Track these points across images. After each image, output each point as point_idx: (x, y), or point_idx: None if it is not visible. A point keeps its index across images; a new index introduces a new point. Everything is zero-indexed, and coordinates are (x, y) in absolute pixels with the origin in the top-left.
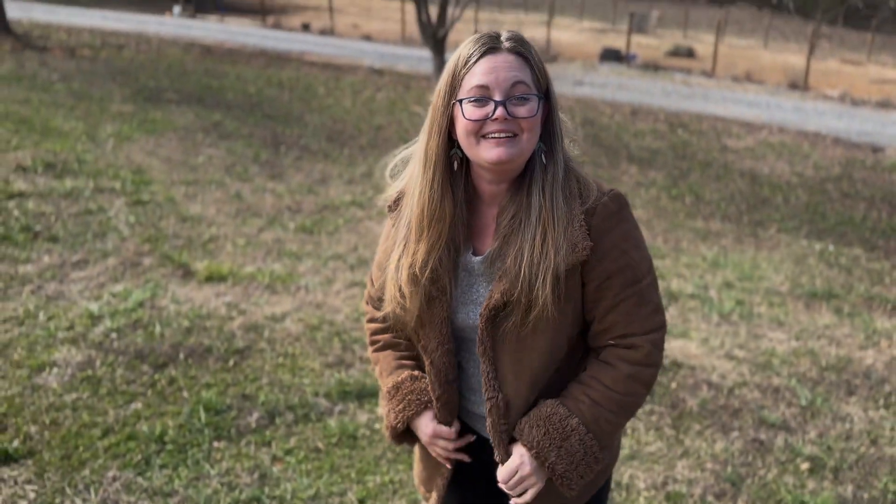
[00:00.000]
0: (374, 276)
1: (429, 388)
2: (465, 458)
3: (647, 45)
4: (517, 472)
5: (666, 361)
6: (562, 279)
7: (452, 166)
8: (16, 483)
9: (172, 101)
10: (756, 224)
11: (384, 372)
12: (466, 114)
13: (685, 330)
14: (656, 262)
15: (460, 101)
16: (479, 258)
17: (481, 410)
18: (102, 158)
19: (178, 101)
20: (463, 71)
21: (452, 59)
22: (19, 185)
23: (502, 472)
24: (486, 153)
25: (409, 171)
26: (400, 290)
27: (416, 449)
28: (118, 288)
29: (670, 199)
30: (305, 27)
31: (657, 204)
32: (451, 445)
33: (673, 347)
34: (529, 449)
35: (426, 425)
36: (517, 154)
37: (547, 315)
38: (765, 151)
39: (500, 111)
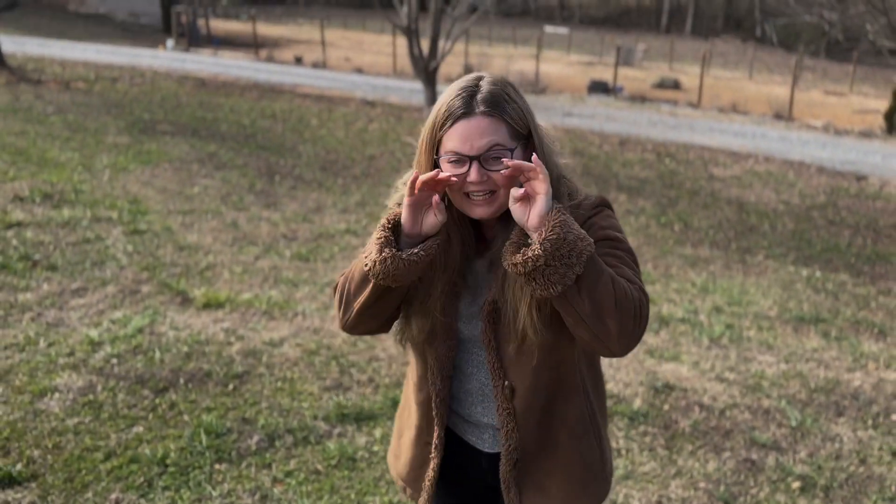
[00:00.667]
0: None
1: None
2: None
3: (633, 77)
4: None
5: (658, 384)
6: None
7: (448, 205)
8: None
9: (167, 133)
10: (744, 251)
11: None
12: (446, 171)
13: (676, 353)
14: (647, 288)
15: (439, 157)
16: (481, 261)
17: (476, 417)
18: (99, 189)
19: (173, 132)
20: (440, 133)
21: (433, 115)
22: (17, 214)
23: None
24: (468, 210)
25: None
26: (412, 324)
27: (400, 445)
28: (117, 315)
29: (659, 227)
30: (298, 60)
31: (646, 231)
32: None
33: (665, 370)
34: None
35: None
36: (497, 210)
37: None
38: (751, 180)
39: (474, 173)
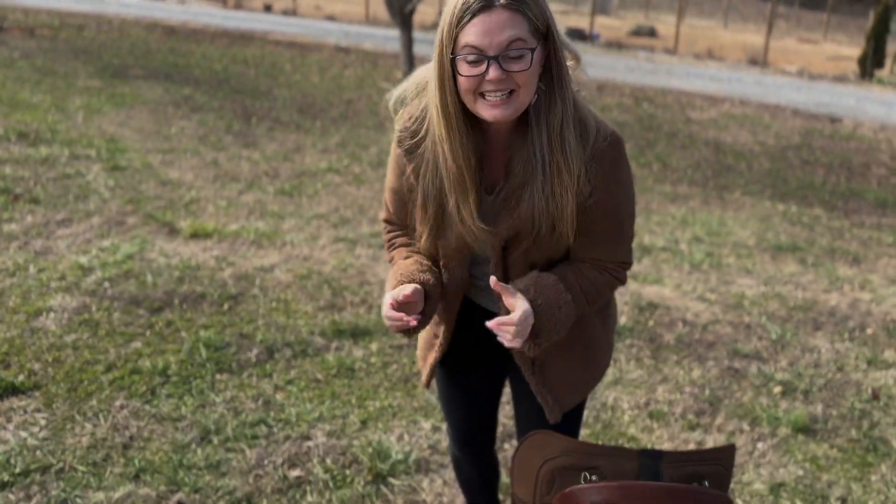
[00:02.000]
0: (387, 200)
1: (430, 278)
2: (412, 321)
3: (609, 25)
4: (522, 322)
5: (642, 302)
6: (570, 218)
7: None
8: (25, 412)
9: (139, 78)
10: (721, 188)
11: (395, 260)
12: (462, 71)
13: (659, 277)
14: None
15: (455, 56)
16: (491, 197)
17: (489, 304)
18: (74, 129)
19: (146, 77)
20: (456, 29)
21: (448, 10)
22: None
23: (506, 319)
24: (483, 112)
25: (425, 110)
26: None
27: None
28: (105, 243)
29: (639, 167)
30: (267, 8)
31: None
32: (396, 299)
33: (648, 292)
34: (535, 307)
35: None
36: (514, 112)
37: (552, 242)
38: (728, 122)
39: (494, 72)
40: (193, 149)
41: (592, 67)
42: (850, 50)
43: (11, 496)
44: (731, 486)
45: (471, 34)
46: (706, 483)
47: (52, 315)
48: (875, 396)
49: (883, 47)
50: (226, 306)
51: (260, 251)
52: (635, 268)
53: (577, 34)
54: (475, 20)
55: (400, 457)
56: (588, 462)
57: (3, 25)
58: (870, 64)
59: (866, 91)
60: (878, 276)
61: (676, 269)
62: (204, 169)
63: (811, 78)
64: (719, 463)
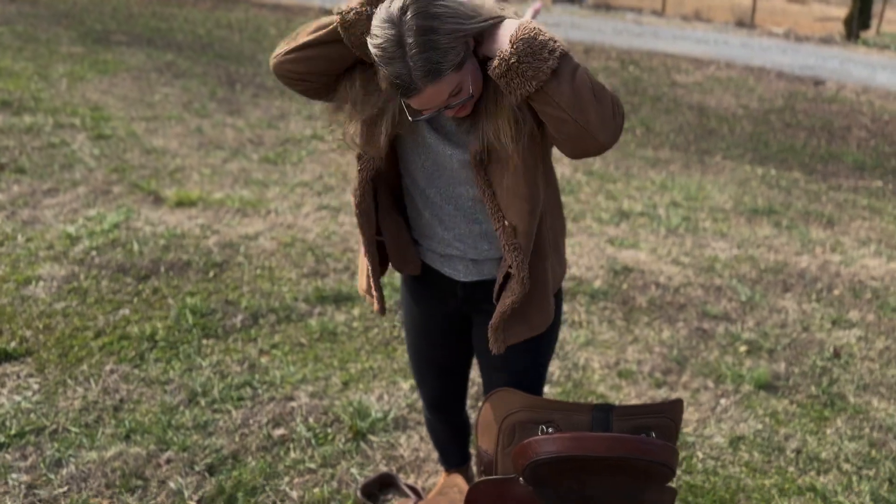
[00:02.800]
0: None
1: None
2: None
3: None
4: None
5: (617, 267)
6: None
7: None
8: (18, 377)
9: (122, 43)
10: (703, 152)
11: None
12: (411, 113)
13: (635, 242)
14: (608, 187)
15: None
16: (459, 124)
17: (450, 251)
18: (58, 97)
19: (129, 42)
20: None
21: (383, 80)
22: None
23: None
24: (447, 112)
25: None
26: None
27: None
28: (92, 213)
29: (622, 132)
30: None
31: None
32: None
33: (624, 256)
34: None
35: None
36: (472, 106)
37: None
38: (712, 86)
39: (445, 112)
40: (177, 116)
41: (579, 30)
42: (839, 10)
43: (8, 456)
44: (693, 439)
45: (412, 103)
46: (653, 434)
47: (41, 283)
48: (836, 354)
49: (869, 8)
50: (211, 274)
51: (244, 219)
52: (612, 232)
53: None
54: (408, 99)
55: (379, 415)
56: (545, 416)
57: None
58: (856, 25)
59: (851, 53)
60: (850, 239)
61: (653, 233)
62: (188, 136)
63: (797, 39)
64: (667, 416)
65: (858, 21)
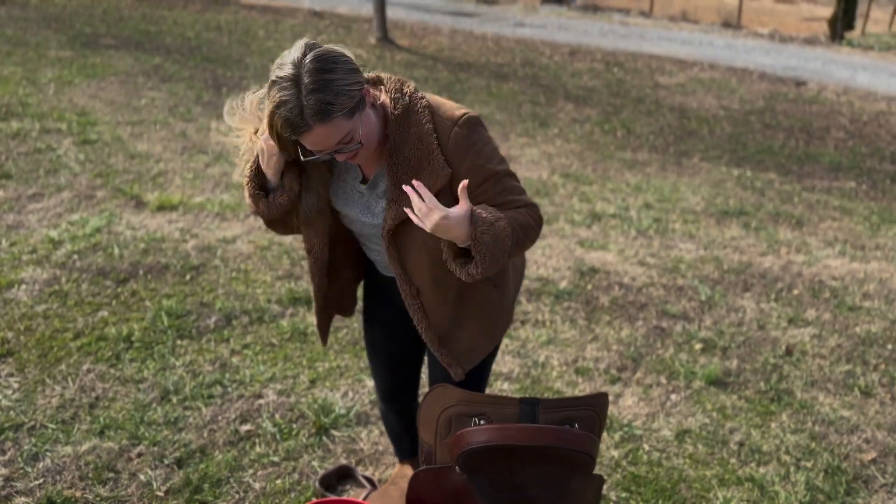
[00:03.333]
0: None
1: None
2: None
3: None
4: (449, 214)
5: (584, 268)
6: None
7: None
8: (0, 377)
9: (111, 47)
10: (681, 154)
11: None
12: (305, 151)
13: (605, 243)
14: (584, 189)
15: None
16: (364, 186)
17: (391, 273)
18: (45, 102)
19: (117, 46)
20: (286, 137)
21: (268, 117)
22: None
23: (428, 198)
24: (338, 158)
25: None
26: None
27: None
28: (75, 217)
29: (602, 134)
30: None
31: (590, 138)
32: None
33: (591, 257)
34: (474, 211)
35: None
36: (366, 156)
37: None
38: (695, 87)
39: (336, 157)
40: (163, 120)
41: (567, 31)
42: (826, 10)
43: None
44: (641, 432)
45: (303, 141)
46: (576, 425)
47: (23, 287)
48: (789, 352)
49: (854, 8)
50: (188, 276)
51: (223, 223)
52: (584, 234)
53: None
54: (300, 138)
55: (343, 411)
56: (478, 409)
57: None
58: (840, 25)
59: (834, 53)
60: (817, 240)
61: (623, 234)
62: (172, 141)
63: (782, 40)
64: (592, 408)
65: (843, 21)
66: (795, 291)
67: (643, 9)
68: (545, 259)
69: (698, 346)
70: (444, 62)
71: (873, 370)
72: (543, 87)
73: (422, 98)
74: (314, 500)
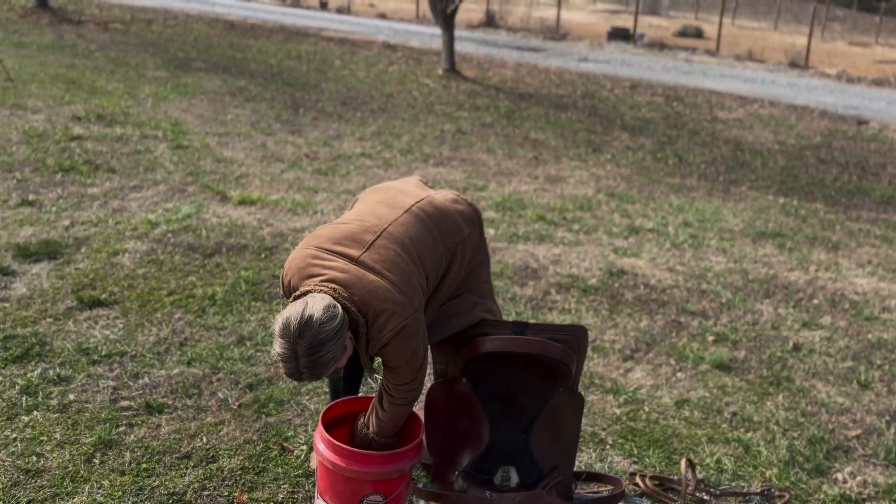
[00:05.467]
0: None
1: None
2: None
3: (658, 25)
4: None
5: (613, 269)
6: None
7: None
8: (108, 319)
9: (201, 70)
10: (730, 182)
11: None
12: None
13: (638, 252)
14: (626, 206)
15: None
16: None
17: None
18: (144, 113)
19: (206, 69)
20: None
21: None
22: (77, 130)
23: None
24: None
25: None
26: None
27: None
28: (169, 205)
29: (654, 161)
30: (323, 5)
31: (641, 164)
32: None
33: (623, 262)
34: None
35: None
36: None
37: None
38: (752, 122)
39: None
40: (246, 133)
41: (630, 67)
42: None
43: (99, 369)
44: (644, 398)
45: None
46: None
47: (126, 255)
48: (796, 348)
49: None
50: (263, 255)
51: (294, 217)
52: (618, 243)
53: (622, 34)
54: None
55: None
56: (481, 331)
57: (80, 19)
58: None
59: None
60: (850, 261)
61: (657, 246)
62: (254, 150)
63: (849, 81)
64: (571, 335)
65: None
66: (815, 301)
67: (710, 47)
68: (578, 260)
69: (710, 338)
70: (507, 92)
71: (876, 368)
72: (601, 117)
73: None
74: (332, 402)
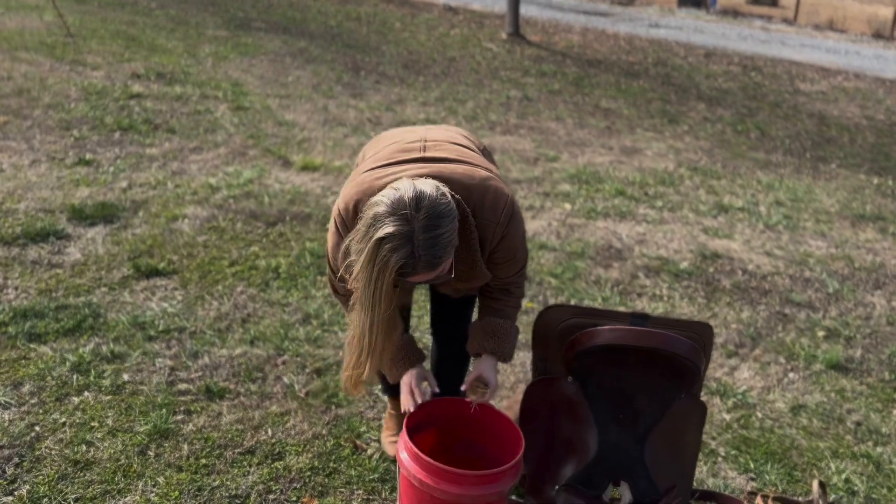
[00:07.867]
0: (333, 265)
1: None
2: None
3: None
4: (486, 380)
5: (707, 252)
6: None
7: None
8: (166, 290)
9: (261, 30)
10: (818, 159)
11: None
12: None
13: (730, 233)
14: (711, 182)
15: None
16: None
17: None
18: (204, 73)
19: (267, 29)
20: (388, 276)
21: (379, 259)
22: (136, 88)
23: (471, 379)
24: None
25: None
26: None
27: None
28: (230, 169)
29: (735, 133)
30: None
31: (721, 137)
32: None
33: (715, 244)
34: (491, 353)
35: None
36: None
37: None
38: (837, 95)
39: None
40: (307, 95)
41: (703, 34)
42: None
43: (156, 346)
44: (755, 401)
45: (409, 276)
46: None
47: (186, 221)
48: None
49: None
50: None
51: None
52: (707, 222)
53: (693, 1)
54: (404, 278)
55: None
56: (592, 321)
57: None
58: None
59: None
60: None
61: (750, 227)
62: (315, 113)
63: None
64: (696, 334)
65: None
66: None
67: (787, 16)
68: (666, 241)
69: (821, 334)
70: (574, 58)
71: None
72: (675, 86)
73: (460, 202)
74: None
